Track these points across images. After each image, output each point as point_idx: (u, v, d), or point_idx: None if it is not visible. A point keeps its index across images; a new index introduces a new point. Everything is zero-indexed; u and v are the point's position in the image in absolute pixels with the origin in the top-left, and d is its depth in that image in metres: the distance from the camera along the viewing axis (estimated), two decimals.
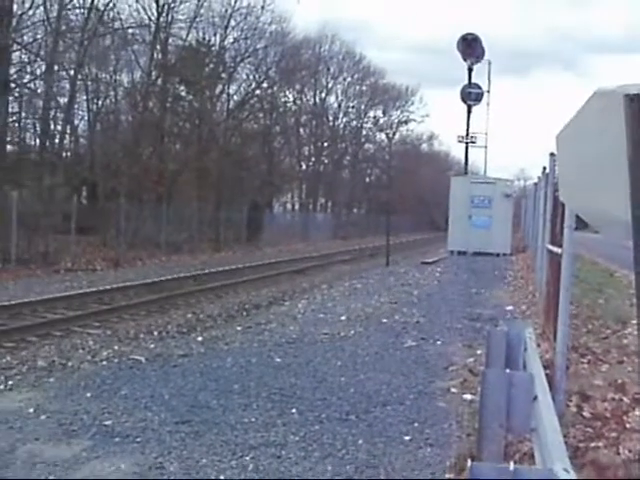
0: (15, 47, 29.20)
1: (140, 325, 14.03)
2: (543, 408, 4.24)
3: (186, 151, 41.98)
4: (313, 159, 63.36)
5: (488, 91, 42.72)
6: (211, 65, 43.14)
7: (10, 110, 30.51)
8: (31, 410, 7.38)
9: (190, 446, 6.38)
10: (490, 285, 20.03)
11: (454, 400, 8.04)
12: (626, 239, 3.54)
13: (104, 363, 9.87)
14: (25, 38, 30.07)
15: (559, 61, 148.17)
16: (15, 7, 28.60)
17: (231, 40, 43.92)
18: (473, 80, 41.89)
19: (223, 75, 44.56)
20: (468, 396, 8.00)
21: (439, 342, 11.56)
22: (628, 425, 6.61)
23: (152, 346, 11.22)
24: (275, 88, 51.06)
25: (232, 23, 43.26)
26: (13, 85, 29.65)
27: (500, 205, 32.05)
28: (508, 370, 5.00)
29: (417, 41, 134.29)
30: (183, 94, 42.14)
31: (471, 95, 41.54)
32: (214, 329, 13.18)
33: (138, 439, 6.53)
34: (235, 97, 47.39)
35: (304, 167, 62.78)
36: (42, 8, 30.45)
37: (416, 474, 5.90)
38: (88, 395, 7.97)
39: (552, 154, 12.20)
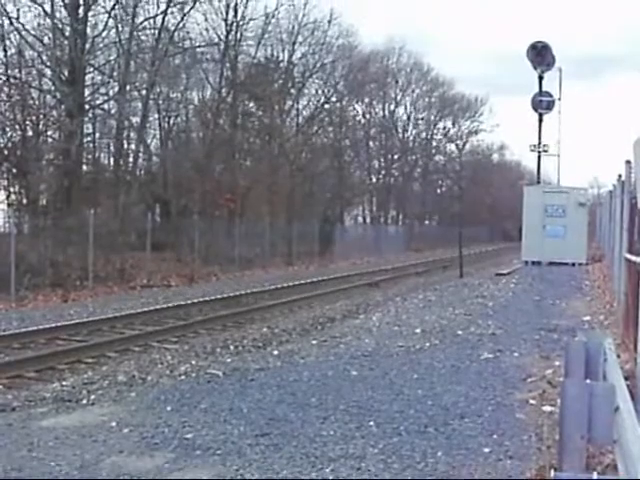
0: (89, 69, 29.93)
1: (216, 340, 14.19)
2: (626, 418, 4.18)
3: (257, 167, 42.40)
4: (383, 172, 63.40)
5: (559, 99, 42.14)
6: (280, 81, 43.60)
7: (85, 131, 31.26)
8: (114, 424, 7.52)
9: (270, 458, 6.43)
10: (566, 295, 19.75)
11: (533, 412, 7.96)
12: None
13: (182, 377, 9.99)
14: (98, 60, 30.82)
15: (634, 65, 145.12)
16: (88, 30, 29.35)
17: (299, 55, 44.45)
18: (544, 87, 41.39)
19: (292, 90, 44.99)
20: (547, 408, 7.90)
21: (516, 354, 11.45)
22: None
23: (229, 360, 11.33)
24: (344, 102, 51.34)
25: (300, 39, 43.78)
26: (87, 107, 30.36)
27: (574, 214, 31.62)
28: (588, 381, 4.94)
29: (485, 50, 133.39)
30: (253, 110, 42.67)
31: (542, 103, 40.98)
32: (289, 343, 13.24)
33: (219, 451, 6.61)
34: (304, 112, 47.89)
35: (374, 180, 62.83)
36: (114, 30, 31.18)
37: None
38: (168, 409, 8.09)
39: (628, 161, 12.04)
